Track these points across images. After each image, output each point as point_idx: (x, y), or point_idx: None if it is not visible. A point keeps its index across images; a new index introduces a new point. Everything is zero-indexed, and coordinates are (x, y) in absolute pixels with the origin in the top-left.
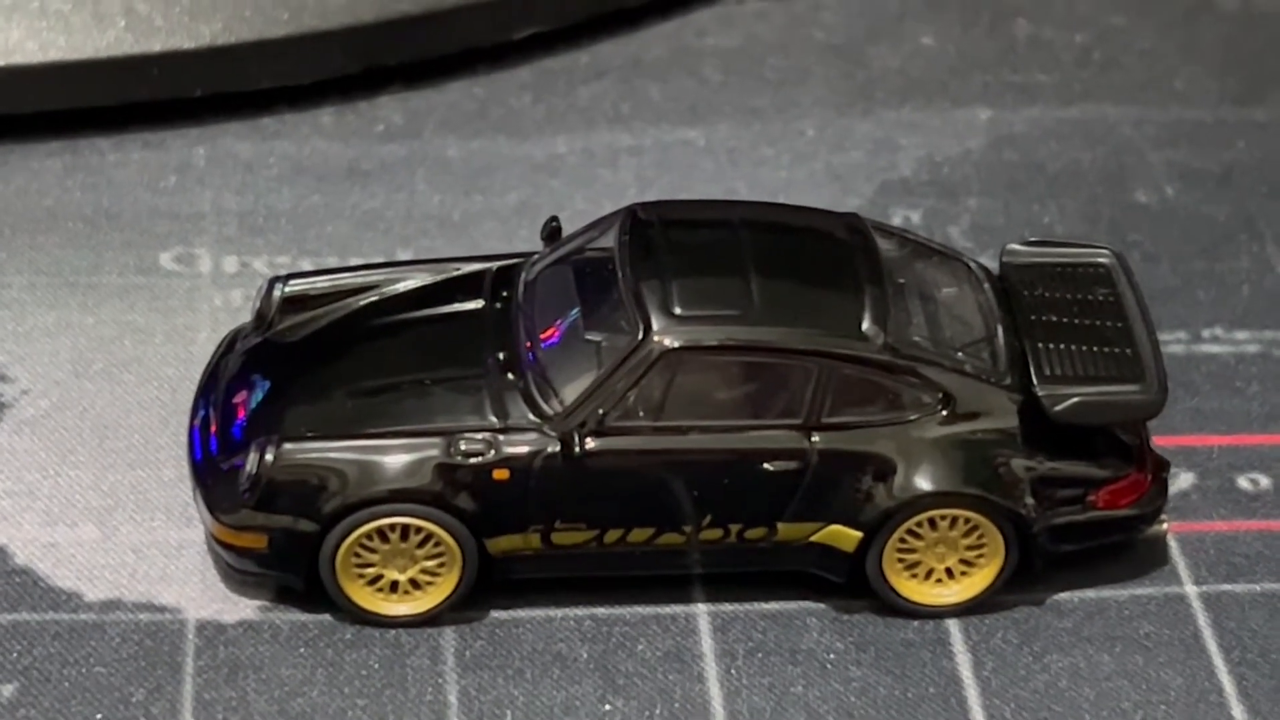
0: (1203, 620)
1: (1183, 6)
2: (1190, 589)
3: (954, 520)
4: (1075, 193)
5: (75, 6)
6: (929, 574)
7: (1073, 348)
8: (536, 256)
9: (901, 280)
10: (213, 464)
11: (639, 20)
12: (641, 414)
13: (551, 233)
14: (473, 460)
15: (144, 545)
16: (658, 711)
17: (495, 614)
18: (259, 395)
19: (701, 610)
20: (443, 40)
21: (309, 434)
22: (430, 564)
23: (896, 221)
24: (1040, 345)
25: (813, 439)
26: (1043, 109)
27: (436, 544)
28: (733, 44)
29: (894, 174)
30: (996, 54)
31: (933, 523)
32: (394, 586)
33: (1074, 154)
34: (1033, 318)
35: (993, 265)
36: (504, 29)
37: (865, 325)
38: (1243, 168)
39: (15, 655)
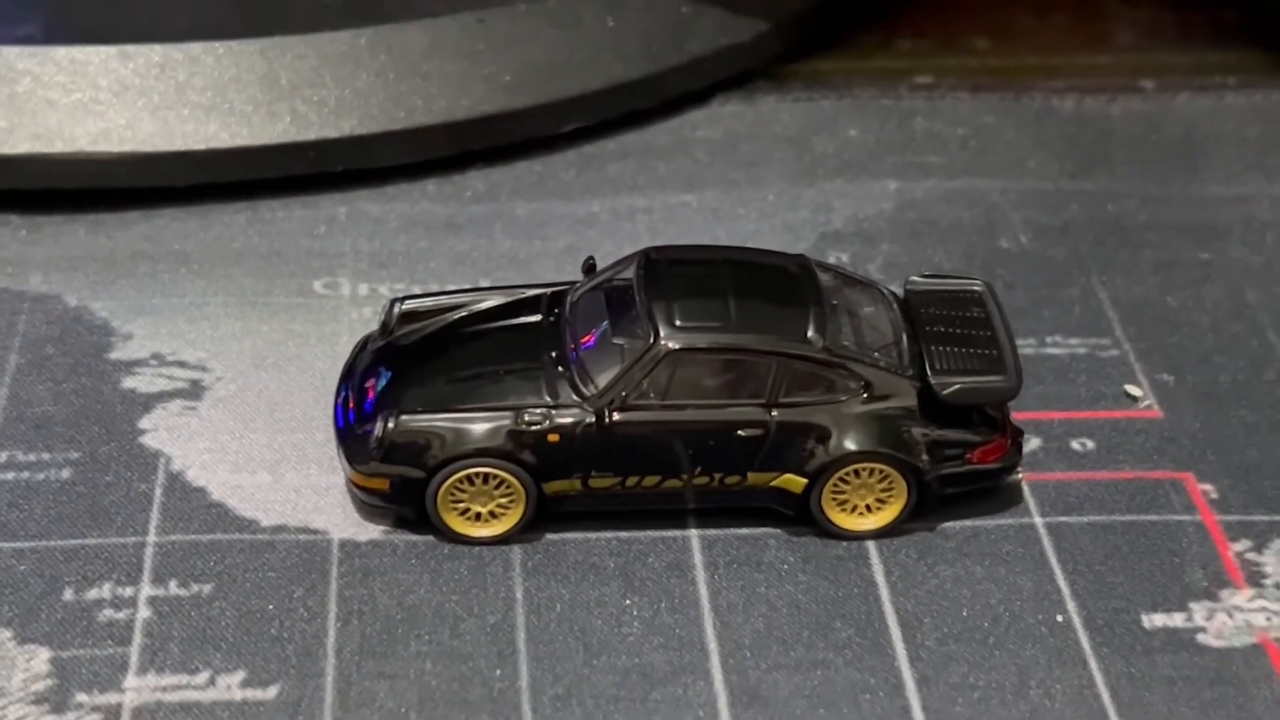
0: (1046, 542)
1: (1033, 110)
2: (1038, 520)
3: (872, 471)
4: (958, 241)
5: (255, 107)
6: (854, 509)
7: (955, 349)
8: (578, 284)
9: (835, 302)
10: (351, 430)
11: (649, 119)
12: (652, 395)
13: (589, 268)
14: (533, 428)
15: (303, 487)
16: (662, 605)
17: (549, 536)
18: (383, 381)
19: (694, 534)
20: (512, 132)
21: (419, 409)
22: (503, 501)
23: (831, 260)
24: (933, 348)
25: (772, 413)
26: (935, 181)
27: (508, 487)
28: (716, 135)
29: (830, 227)
30: (902, 143)
31: (857, 473)
32: (478, 516)
33: (957, 213)
34: (927, 329)
35: (899, 291)
36: (555, 124)
37: (810, 333)
38: (1076, 223)
39: (212, 563)
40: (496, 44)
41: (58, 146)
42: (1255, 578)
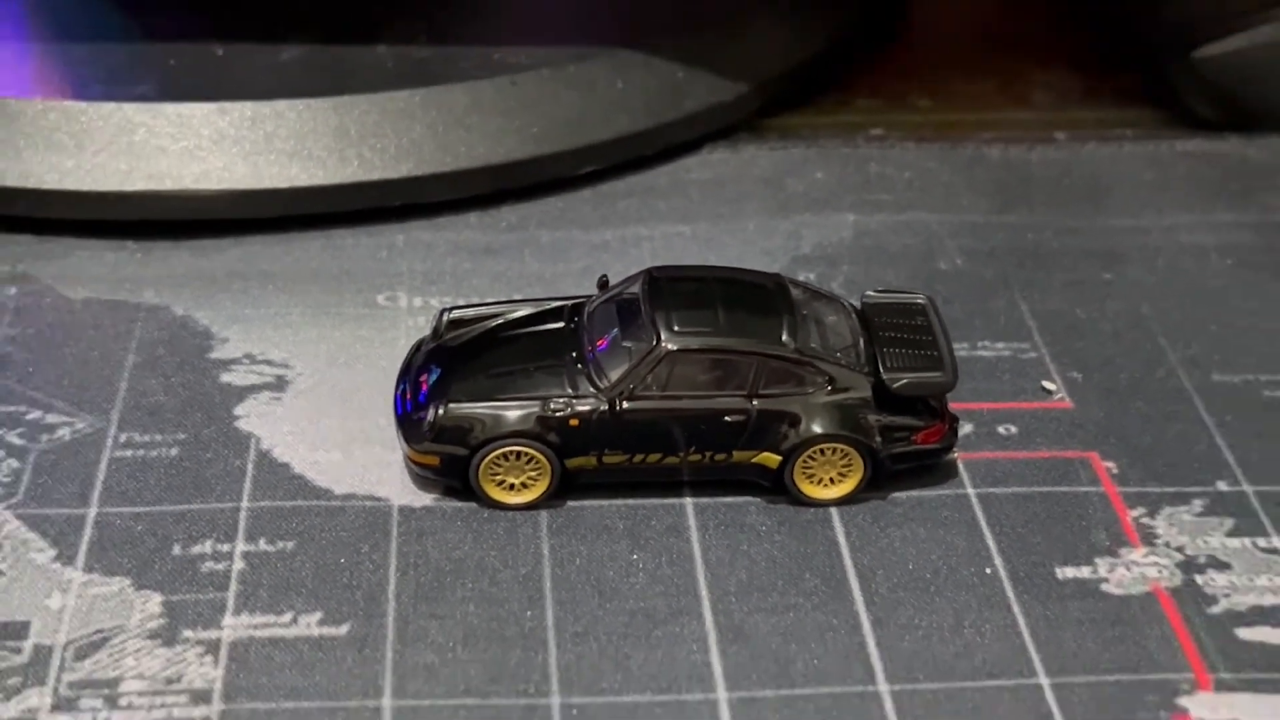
0: (977, 509)
1: (966, 157)
2: (970, 491)
3: (835, 450)
4: (905, 264)
5: (329, 153)
6: (820, 481)
7: (903, 351)
8: (594, 297)
9: (805, 312)
10: (408, 416)
11: (652, 163)
12: (655, 388)
13: (602, 284)
14: (558, 414)
15: (369, 463)
16: (663, 559)
17: (570, 503)
18: (434, 376)
19: (689, 502)
20: (538, 173)
21: (464, 399)
22: (532, 474)
23: (801, 278)
24: (884, 349)
25: (753, 403)
26: (886, 215)
27: (536, 462)
28: (706, 177)
29: (799, 252)
30: (859, 183)
31: (822, 451)
32: (511, 487)
33: (904, 241)
34: (880, 334)
35: (857, 303)
36: (574, 167)
37: (784, 337)
38: (1001, 249)
39: (294, 524)
40: (526, 102)
41: (167, 185)
42: (1149, 538)
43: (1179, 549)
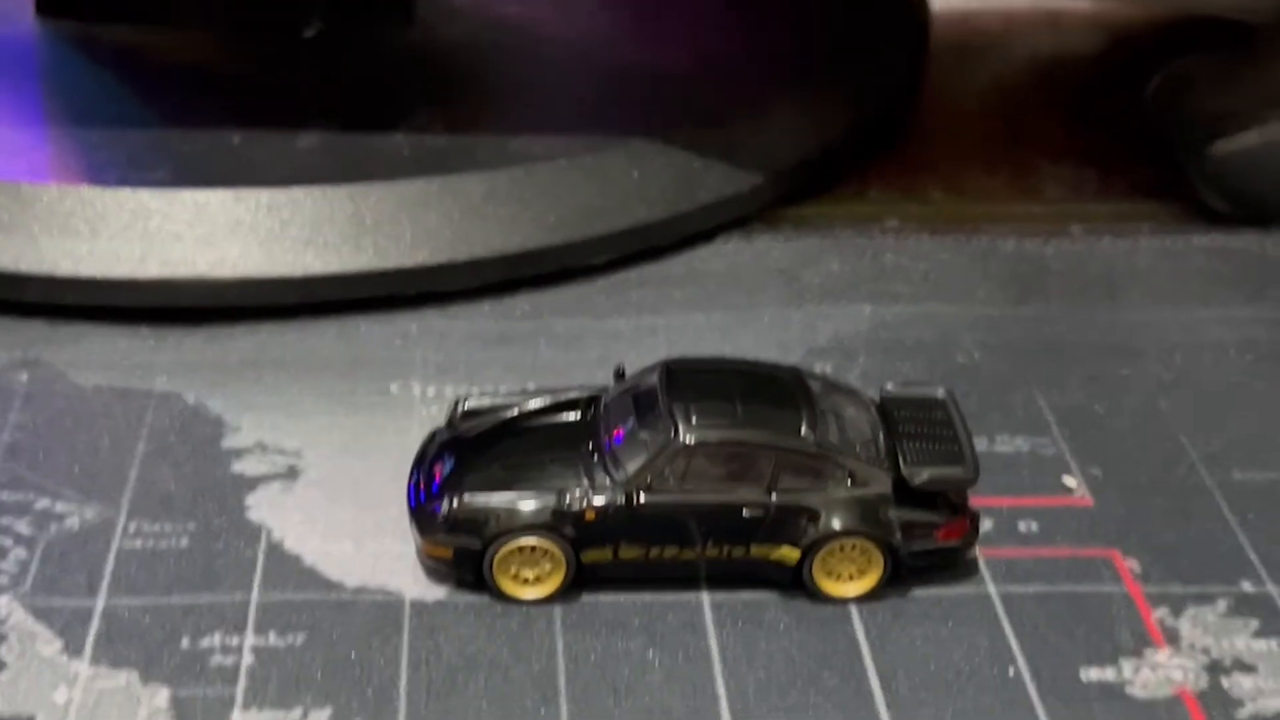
0: (999, 607)
1: (981, 250)
2: (992, 588)
3: (854, 545)
4: (921, 356)
5: (344, 241)
6: (839, 577)
7: (923, 445)
8: (610, 388)
9: (823, 405)
10: (422, 508)
11: (666, 253)
12: (672, 481)
13: (619, 374)
14: (573, 507)
15: (381, 555)
16: (680, 657)
17: (585, 598)
18: (448, 467)
19: (705, 598)
20: (553, 263)
21: (478, 490)
22: (547, 567)
23: (818, 370)
24: (904, 444)
25: (772, 497)
26: (902, 307)
27: (551, 556)
28: (721, 267)
29: (815, 343)
30: (874, 274)
31: (842, 547)
32: (526, 581)
33: (920, 334)
34: (899, 428)
35: (875, 397)
36: (588, 257)
37: (803, 431)
38: (1018, 343)
39: (304, 617)
40: (541, 191)
41: (182, 271)
42: (1173, 639)
43: (1204, 650)
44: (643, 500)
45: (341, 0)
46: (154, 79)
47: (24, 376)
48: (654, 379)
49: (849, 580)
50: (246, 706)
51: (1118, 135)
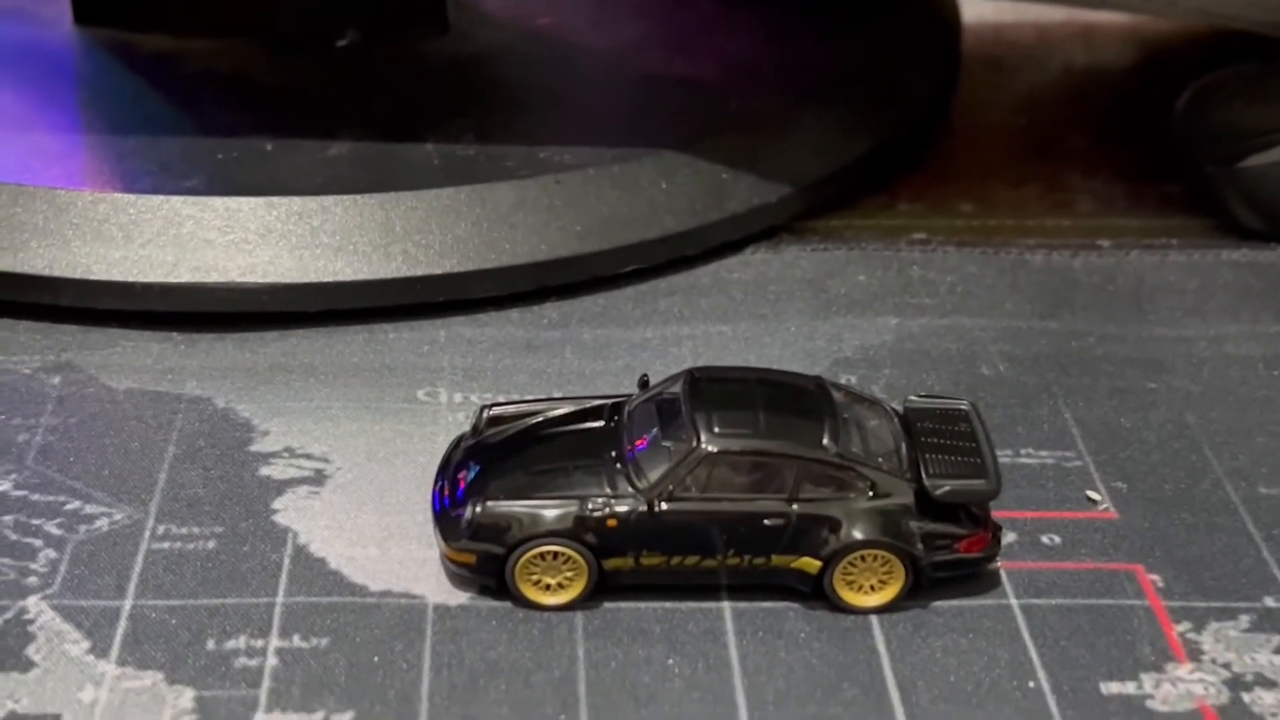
0: (1020, 620)
1: (1009, 263)
2: (1013, 601)
3: (875, 556)
4: (947, 368)
5: (374, 248)
6: (860, 588)
7: (946, 457)
8: (634, 397)
9: (846, 415)
10: (446, 514)
11: (693, 263)
12: (694, 489)
13: (643, 383)
14: (596, 514)
15: (404, 559)
16: (700, 665)
17: (606, 605)
18: (473, 473)
19: (726, 606)
20: (581, 271)
21: (501, 497)
22: (569, 574)
23: (842, 381)
24: (927, 455)
25: (793, 506)
26: (928, 319)
27: (573, 563)
28: (748, 278)
29: (841, 355)
30: (901, 286)
31: (863, 558)
32: (548, 587)
33: (946, 345)
34: (922, 439)
35: (899, 408)
36: (616, 266)
37: (825, 441)
38: (1044, 355)
39: (329, 621)
40: (570, 200)
41: (213, 277)
42: (1195, 653)
43: (1225, 665)
44: (664, 508)
45: (377, 10)
46: (189, 87)
47: (56, 380)
48: (677, 388)
49: (870, 591)
50: (270, 708)
51: (1148, 149)
